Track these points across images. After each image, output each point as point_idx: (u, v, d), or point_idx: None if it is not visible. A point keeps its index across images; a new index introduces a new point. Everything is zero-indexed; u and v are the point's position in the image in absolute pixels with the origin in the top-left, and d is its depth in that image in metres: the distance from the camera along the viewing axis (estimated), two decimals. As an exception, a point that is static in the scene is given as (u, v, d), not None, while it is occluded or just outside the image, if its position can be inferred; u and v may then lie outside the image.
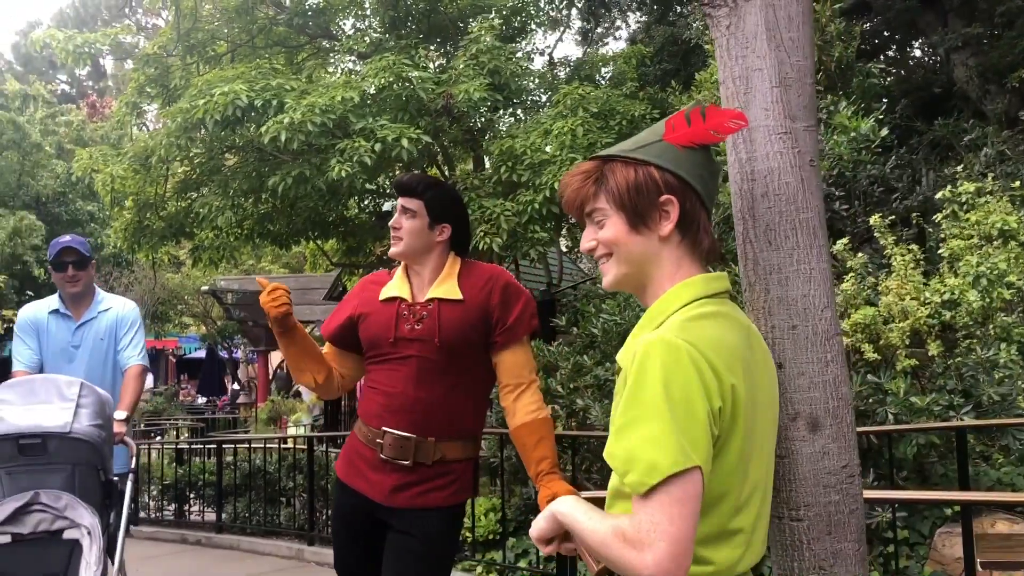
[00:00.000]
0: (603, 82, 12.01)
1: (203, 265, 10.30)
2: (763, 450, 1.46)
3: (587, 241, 1.54)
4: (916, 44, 13.14)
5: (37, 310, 4.26)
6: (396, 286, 2.67)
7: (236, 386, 24.37)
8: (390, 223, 2.68)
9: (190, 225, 9.17)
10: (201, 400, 23.05)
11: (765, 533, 1.48)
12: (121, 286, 21.27)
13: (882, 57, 13.00)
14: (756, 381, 1.44)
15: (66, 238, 4.21)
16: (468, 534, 5.90)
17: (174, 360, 31.14)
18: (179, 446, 10.25)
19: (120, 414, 3.83)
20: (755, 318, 1.67)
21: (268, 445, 8.50)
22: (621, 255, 1.51)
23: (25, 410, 3.14)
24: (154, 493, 9.23)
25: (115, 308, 4.29)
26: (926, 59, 12.88)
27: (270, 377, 18.86)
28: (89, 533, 3.06)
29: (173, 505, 9.10)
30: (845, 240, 5.00)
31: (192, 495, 9.07)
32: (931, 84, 11.14)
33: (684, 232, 1.47)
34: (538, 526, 1.48)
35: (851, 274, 4.61)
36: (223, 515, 8.31)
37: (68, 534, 3.10)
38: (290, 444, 8.47)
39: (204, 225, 8.68)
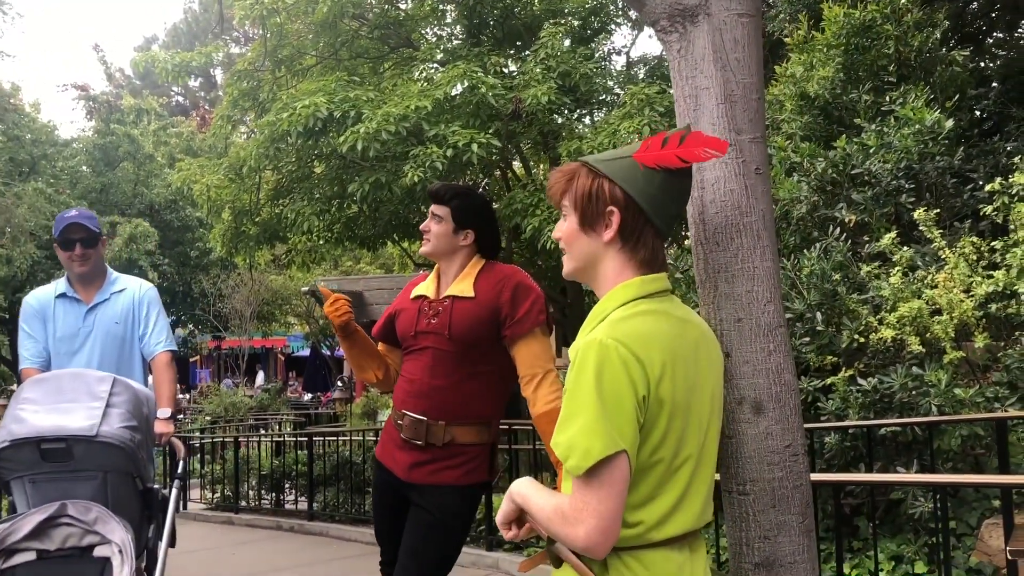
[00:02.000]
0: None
1: (296, 267, 10.85)
2: (700, 427, 1.65)
3: (556, 232, 1.78)
4: (1024, 24, 12.62)
5: (42, 295, 3.85)
6: (424, 285, 2.99)
7: (339, 383, 25.22)
8: (421, 226, 3.00)
9: (283, 230, 9.70)
10: (307, 396, 23.96)
11: (701, 502, 1.66)
12: (228, 288, 22.38)
13: (989, 40, 12.55)
14: (692, 367, 1.62)
15: (72, 212, 3.75)
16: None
17: (283, 358, 32.45)
18: (275, 439, 10.81)
19: (164, 412, 3.54)
20: (705, 312, 1.85)
21: (354, 437, 8.92)
22: (572, 251, 1.74)
23: (49, 411, 2.82)
24: (253, 483, 9.79)
25: (131, 289, 3.89)
26: (1035, 40, 12.35)
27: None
28: (121, 551, 2.73)
29: (271, 495, 9.64)
30: (892, 235, 5.00)
31: (287, 485, 9.59)
32: (1035, 67, 10.70)
33: (624, 241, 1.67)
34: (501, 509, 1.72)
35: (898, 268, 4.64)
36: (314, 504, 8.78)
37: (99, 551, 2.74)
38: (374, 436, 8.86)
39: (295, 230, 9.18)
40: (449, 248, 2.92)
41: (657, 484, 1.59)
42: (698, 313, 1.83)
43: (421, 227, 2.98)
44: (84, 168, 24.02)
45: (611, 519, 1.48)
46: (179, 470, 3.50)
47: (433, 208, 2.95)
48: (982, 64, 10.85)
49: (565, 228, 1.73)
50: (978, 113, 9.38)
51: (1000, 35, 12.72)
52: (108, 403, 2.86)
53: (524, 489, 1.66)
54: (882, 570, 4.10)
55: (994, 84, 9.90)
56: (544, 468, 6.93)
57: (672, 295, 1.71)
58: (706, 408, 1.67)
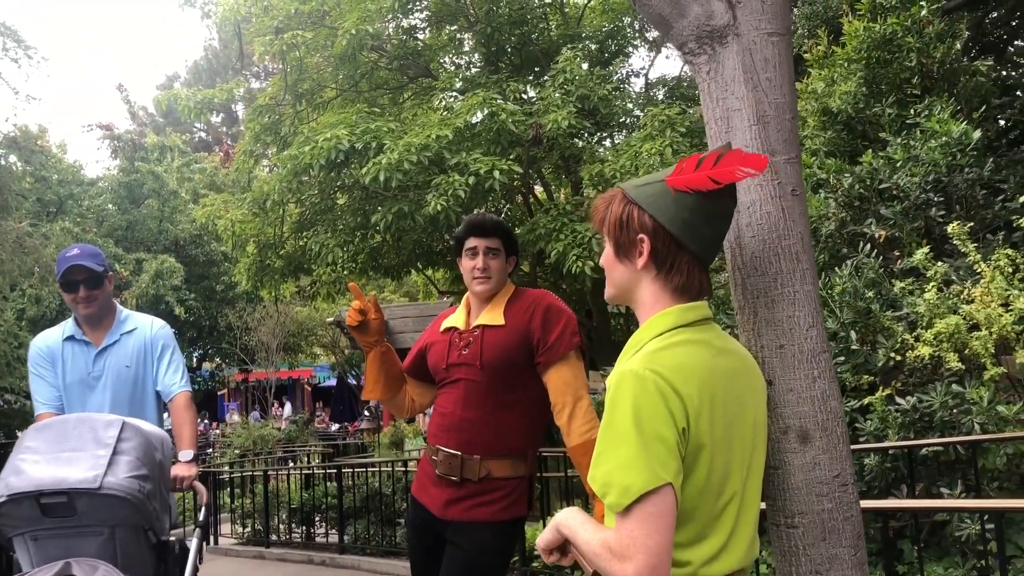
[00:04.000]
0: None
1: (321, 299, 10.87)
2: (743, 461, 1.59)
3: (600, 258, 1.75)
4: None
5: (50, 338, 3.64)
6: (454, 317, 2.95)
7: (365, 413, 25.22)
8: (476, 266, 2.86)
9: (307, 262, 9.73)
10: (334, 427, 23.96)
11: (747, 540, 1.60)
12: (254, 321, 22.50)
13: (1011, 48, 12.44)
14: (732, 399, 1.57)
15: (73, 251, 3.50)
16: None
17: (309, 389, 32.52)
18: (303, 471, 10.78)
19: (186, 454, 3.36)
20: (745, 339, 1.79)
21: (383, 468, 8.87)
22: (611, 277, 1.71)
23: (50, 461, 2.58)
24: (283, 516, 9.75)
25: (142, 328, 3.66)
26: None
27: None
28: None
29: (301, 528, 9.59)
30: (926, 250, 4.90)
31: (317, 518, 9.54)
32: (1062, 75, 10.58)
33: (658, 268, 1.62)
34: (544, 536, 1.66)
35: (932, 283, 4.55)
36: (345, 537, 8.72)
37: None
38: (403, 467, 8.81)
39: (319, 262, 9.21)
40: (504, 281, 2.90)
41: (704, 524, 1.53)
42: (738, 339, 1.78)
43: (477, 265, 2.84)
44: (110, 206, 24.34)
45: (661, 554, 1.41)
46: (201, 518, 3.24)
47: (487, 243, 2.86)
48: (1004, 73, 10.75)
49: (603, 256, 1.72)
50: (1003, 123, 9.27)
51: (1021, 43, 12.62)
52: (115, 450, 2.61)
53: (571, 520, 1.60)
54: (929, 595, 3.98)
55: (1018, 93, 9.80)
56: (577, 495, 6.84)
57: (713, 323, 1.66)
58: (748, 441, 1.61)
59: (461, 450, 2.75)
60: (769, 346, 1.76)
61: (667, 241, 1.60)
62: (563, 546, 1.65)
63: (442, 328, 2.96)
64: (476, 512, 2.73)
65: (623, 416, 1.46)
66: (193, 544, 2.91)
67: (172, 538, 2.77)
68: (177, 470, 3.24)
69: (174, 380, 3.60)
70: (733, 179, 1.59)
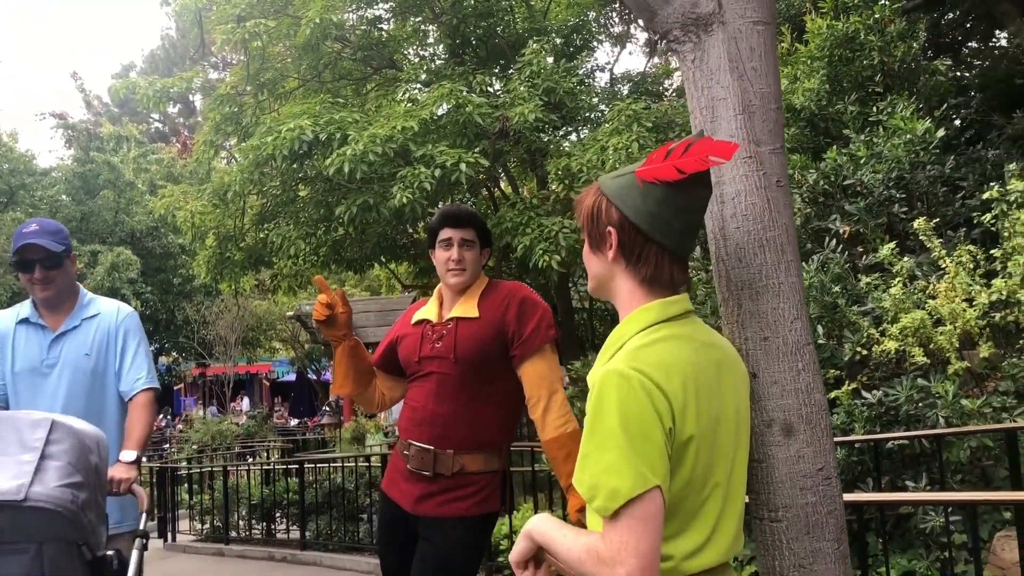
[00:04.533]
0: (669, 93, 12.08)
1: (282, 292, 10.73)
2: (727, 455, 1.57)
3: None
4: (1001, 35, 12.76)
5: (1, 320, 3.27)
6: (426, 310, 2.89)
7: (326, 408, 25.03)
8: (451, 257, 2.80)
9: (268, 255, 9.59)
10: (293, 422, 23.74)
11: (731, 534, 1.57)
12: (212, 314, 22.19)
13: (965, 50, 12.67)
14: (716, 393, 1.55)
15: (32, 226, 3.16)
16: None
17: (268, 384, 32.18)
18: (264, 467, 10.64)
19: (128, 455, 2.98)
20: (729, 332, 1.77)
21: (345, 464, 8.78)
22: (589, 271, 1.70)
23: None
24: (243, 513, 9.61)
25: (106, 315, 3.29)
26: (1010, 49, 12.49)
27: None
28: None
29: (261, 524, 9.46)
30: (892, 245, 4.96)
31: (278, 514, 9.42)
32: (1013, 75, 10.80)
33: (627, 260, 1.60)
34: (516, 548, 1.62)
35: (898, 278, 4.59)
36: (307, 533, 8.62)
37: None
38: (365, 463, 8.73)
39: (280, 254, 9.07)
40: (479, 273, 2.86)
41: (687, 517, 1.51)
42: (722, 332, 1.75)
43: (452, 257, 2.79)
44: (64, 197, 23.80)
45: (651, 557, 1.39)
46: (141, 525, 2.82)
47: (461, 235, 2.81)
48: (958, 73, 10.94)
49: (583, 249, 1.70)
50: (958, 122, 9.43)
51: (975, 45, 12.86)
52: (43, 454, 2.23)
53: (544, 527, 1.57)
54: (894, 587, 4.02)
55: (973, 93, 9.97)
56: (541, 489, 6.82)
57: (694, 316, 1.63)
58: (731, 434, 1.59)
59: (434, 444, 2.70)
60: (753, 338, 1.74)
61: (633, 233, 1.58)
62: (537, 557, 1.62)
63: (413, 320, 2.90)
64: (449, 508, 2.69)
65: (609, 417, 1.43)
66: (133, 558, 2.56)
67: (109, 552, 2.38)
68: (114, 471, 2.87)
69: (139, 375, 3.22)
70: (699, 168, 1.55)
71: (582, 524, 2.61)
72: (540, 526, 1.57)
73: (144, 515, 2.88)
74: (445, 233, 2.82)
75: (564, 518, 2.06)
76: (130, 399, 3.20)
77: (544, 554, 1.60)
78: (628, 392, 1.42)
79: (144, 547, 2.72)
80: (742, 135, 1.75)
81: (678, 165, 1.54)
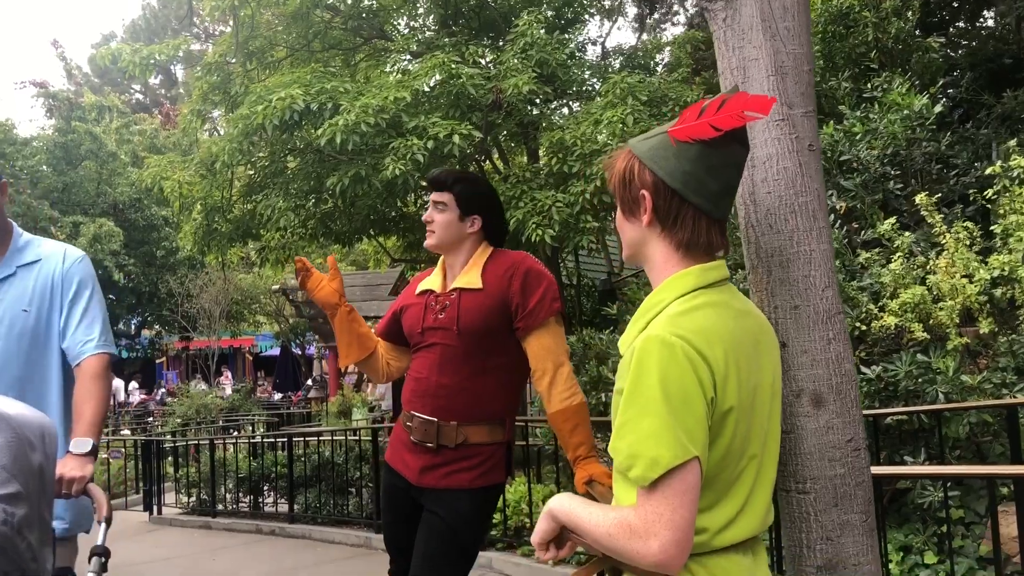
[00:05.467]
0: (659, 68, 11.99)
1: (270, 265, 10.62)
2: (762, 426, 1.53)
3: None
4: (988, 14, 12.75)
5: None
6: (430, 280, 2.85)
7: (309, 382, 24.95)
8: (423, 217, 2.83)
9: (256, 227, 9.46)
10: (277, 396, 23.66)
11: (765, 504, 1.54)
12: (196, 288, 22.01)
13: (952, 28, 12.65)
14: (755, 363, 1.51)
15: None
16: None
17: (251, 358, 32.04)
18: (252, 440, 10.59)
19: (81, 444, 2.36)
20: (758, 300, 1.73)
21: (335, 437, 8.74)
22: (623, 237, 1.64)
23: None
24: (230, 486, 9.56)
25: (50, 260, 2.67)
26: (997, 29, 12.48)
27: (341, 372, 19.31)
28: None
29: (249, 497, 9.42)
30: (892, 220, 4.94)
31: (266, 487, 9.38)
32: (1001, 55, 10.80)
33: (663, 225, 1.54)
34: (538, 529, 1.57)
35: (899, 254, 4.57)
36: (295, 506, 8.59)
37: None
38: (354, 436, 8.70)
39: (269, 226, 8.95)
40: (456, 237, 2.77)
41: (722, 489, 1.47)
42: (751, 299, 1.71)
43: (424, 218, 2.81)
44: (44, 167, 23.45)
45: (686, 530, 1.35)
46: (99, 539, 2.15)
47: (434, 196, 2.79)
48: (948, 52, 10.92)
49: (616, 216, 1.64)
50: (948, 101, 9.42)
51: (963, 24, 12.84)
52: None
53: (567, 505, 1.52)
54: (890, 561, 4.03)
55: (958, 72, 9.95)
56: (530, 464, 6.81)
57: (730, 283, 1.59)
58: (766, 405, 1.55)
59: (437, 416, 2.66)
60: (783, 307, 1.70)
61: (668, 196, 1.52)
62: (559, 536, 1.58)
63: (417, 291, 2.85)
64: (453, 479, 2.65)
65: (649, 385, 1.38)
66: (94, 562, 2.06)
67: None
68: (64, 467, 2.27)
69: (89, 336, 2.58)
70: (736, 124, 1.49)
71: (590, 496, 2.59)
72: (563, 504, 1.53)
73: (104, 526, 2.20)
74: (431, 196, 2.82)
75: (567, 491, 2.02)
76: (77, 365, 2.55)
77: (567, 533, 1.56)
78: (671, 359, 1.38)
79: (103, 568, 2.09)
80: (774, 97, 1.70)
81: (713, 122, 1.49)
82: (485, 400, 2.70)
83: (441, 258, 2.90)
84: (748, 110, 1.47)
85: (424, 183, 8.55)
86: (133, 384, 25.31)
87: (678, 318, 1.45)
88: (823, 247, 1.70)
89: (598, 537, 1.43)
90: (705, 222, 1.52)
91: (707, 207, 1.51)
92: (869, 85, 7.35)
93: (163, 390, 24.66)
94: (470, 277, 2.74)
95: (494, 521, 6.32)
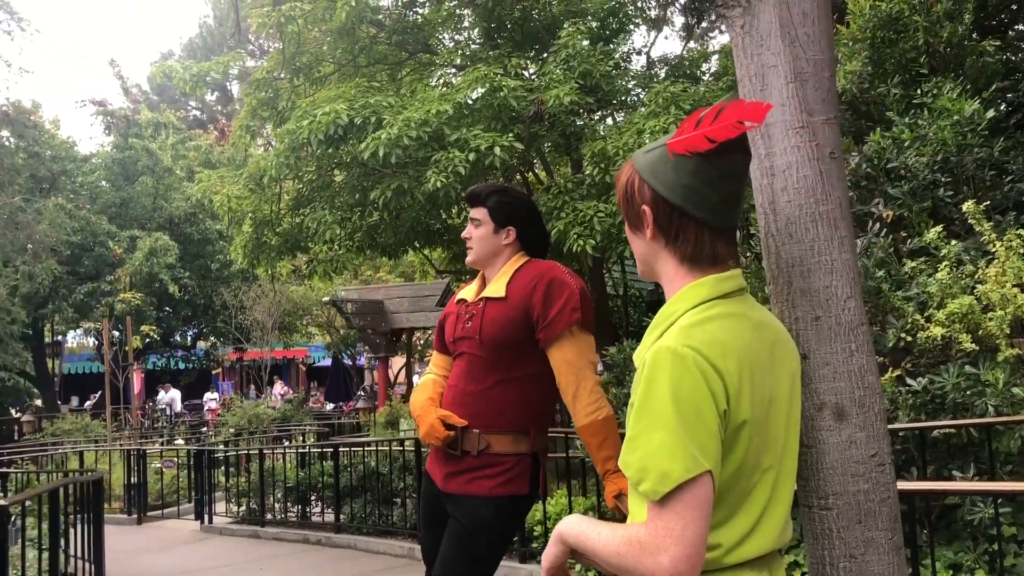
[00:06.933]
0: (706, 77, 11.90)
1: (318, 277, 10.76)
2: (777, 440, 1.49)
3: None
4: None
5: None
6: (468, 289, 2.89)
7: (360, 392, 25.15)
8: (463, 234, 2.89)
9: (304, 240, 9.61)
10: (329, 406, 23.91)
11: (781, 520, 1.50)
12: (249, 300, 22.37)
13: (1012, 32, 12.32)
14: (770, 375, 1.47)
15: None
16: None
17: (304, 369, 32.45)
18: (299, 450, 10.70)
19: None
20: (779, 310, 1.70)
21: (381, 448, 8.80)
22: (634, 251, 1.62)
23: None
24: (279, 496, 9.68)
25: None
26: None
27: (390, 383, 19.44)
28: None
29: (297, 507, 9.52)
30: (939, 228, 4.81)
31: (313, 497, 9.47)
32: (1069, 56, 10.46)
33: (666, 239, 1.52)
34: (547, 553, 1.55)
35: (946, 263, 4.45)
36: (341, 516, 8.66)
37: None
38: (399, 447, 8.74)
39: (316, 239, 9.08)
40: (492, 250, 2.81)
41: (735, 504, 1.44)
42: (771, 311, 1.68)
43: (463, 235, 2.87)
44: (103, 183, 24.11)
45: (697, 545, 1.32)
46: None
47: (471, 213, 2.85)
48: (1006, 56, 10.64)
49: (626, 231, 1.63)
50: (1004, 106, 9.18)
51: (1022, 28, 12.50)
52: None
53: (576, 527, 1.49)
54: (939, 579, 3.91)
55: (1019, 76, 9.68)
56: (574, 476, 6.76)
57: (747, 294, 1.56)
58: (783, 419, 1.52)
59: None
60: (804, 318, 1.66)
61: (668, 211, 1.50)
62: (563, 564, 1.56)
63: (456, 299, 2.91)
64: (473, 485, 2.67)
65: (660, 397, 1.35)
66: None
67: None
68: None
69: None
70: (731, 135, 1.45)
71: (619, 511, 2.55)
72: (572, 527, 1.50)
73: None
74: (469, 214, 2.87)
75: (599, 506, 2.00)
76: None
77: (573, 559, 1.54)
78: (682, 371, 1.35)
79: None
80: (794, 104, 1.67)
81: (708, 134, 1.45)
82: (509, 410, 2.70)
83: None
84: (744, 118, 1.44)
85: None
86: (208, 395, 25.45)
87: (691, 329, 1.42)
88: (845, 256, 1.66)
89: (607, 557, 1.40)
90: (708, 235, 1.50)
91: (710, 220, 1.49)
92: (919, 91, 7.19)
93: (214, 397, 24.97)
94: (496, 286, 2.76)
95: (535, 534, 6.29)
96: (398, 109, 7.48)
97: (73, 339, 30.26)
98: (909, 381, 4.28)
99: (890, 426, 4.16)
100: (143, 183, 23.84)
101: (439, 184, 6.92)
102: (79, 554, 6.21)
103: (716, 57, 12.97)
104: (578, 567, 4.74)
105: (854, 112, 8.33)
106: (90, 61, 77.15)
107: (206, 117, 42.98)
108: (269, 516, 9.60)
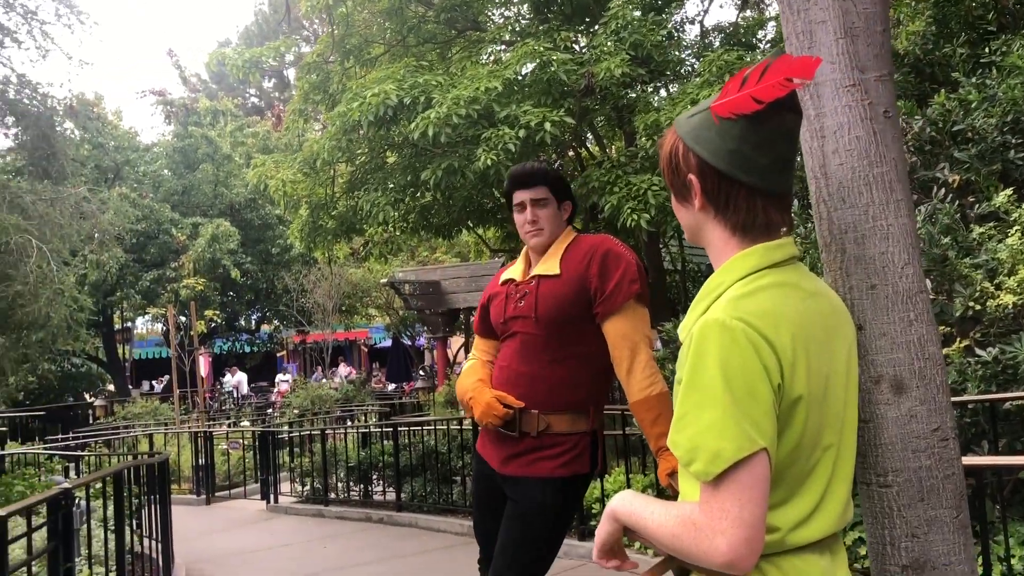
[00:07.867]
0: (763, 45, 11.60)
1: (375, 259, 10.82)
2: (837, 416, 1.42)
3: None
4: None
5: None
6: (513, 269, 2.84)
7: (420, 372, 25.34)
8: (527, 219, 2.75)
9: (359, 222, 9.66)
10: (391, 387, 24.15)
11: (843, 500, 1.43)
12: (309, 283, 22.68)
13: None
14: (826, 348, 1.40)
15: None
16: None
17: (366, 350, 32.84)
18: (360, 430, 10.83)
19: None
20: (832, 279, 1.62)
21: (439, 427, 8.84)
22: (681, 222, 1.54)
23: None
24: (341, 475, 9.81)
25: None
26: None
27: (449, 362, 19.56)
28: None
29: (359, 486, 9.64)
30: (1008, 192, 4.61)
31: (374, 476, 9.58)
32: None
33: (715, 208, 1.44)
34: (600, 532, 1.49)
35: (1017, 227, 4.27)
36: (402, 495, 8.74)
37: None
38: (458, 425, 8.77)
39: (371, 221, 9.12)
40: (560, 228, 2.77)
41: (794, 484, 1.36)
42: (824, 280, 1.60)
43: (527, 218, 2.74)
44: (165, 172, 24.63)
45: (756, 527, 1.25)
46: None
47: (530, 195, 2.74)
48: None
49: (672, 202, 1.55)
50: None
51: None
52: None
53: (630, 504, 1.43)
54: (1012, 556, 3.78)
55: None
56: (633, 454, 6.71)
57: (800, 263, 1.48)
58: (841, 393, 1.44)
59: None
60: (859, 287, 1.58)
61: (717, 178, 1.41)
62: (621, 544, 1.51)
63: (501, 280, 2.87)
64: (534, 468, 2.63)
65: (710, 372, 1.28)
66: None
67: None
68: None
69: None
70: (779, 94, 1.36)
71: (673, 489, 2.50)
72: (625, 505, 1.44)
73: None
74: (517, 196, 2.77)
75: (658, 484, 1.94)
76: None
77: (626, 537, 1.48)
78: (731, 344, 1.28)
79: None
80: (844, 61, 1.58)
81: (754, 94, 1.37)
82: (566, 388, 2.66)
83: (525, 247, 2.87)
84: (792, 75, 1.35)
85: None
86: (279, 376, 25.76)
87: (740, 300, 1.35)
88: (902, 221, 1.57)
89: (662, 538, 1.35)
90: (760, 201, 1.41)
91: (761, 184, 1.40)
92: (987, 49, 6.90)
93: (285, 379, 25.34)
94: (549, 264, 2.72)
95: (594, 511, 6.25)
96: (447, 87, 7.43)
97: (142, 325, 31.07)
98: (978, 351, 4.12)
99: (959, 398, 4.02)
100: (204, 170, 24.28)
101: (489, 162, 6.87)
102: (148, 534, 6.39)
103: (772, 24, 12.65)
104: (636, 544, 4.69)
105: (917, 74, 8.04)
106: (149, 52, 78.68)
107: (264, 104, 43.51)
108: (332, 495, 9.74)
